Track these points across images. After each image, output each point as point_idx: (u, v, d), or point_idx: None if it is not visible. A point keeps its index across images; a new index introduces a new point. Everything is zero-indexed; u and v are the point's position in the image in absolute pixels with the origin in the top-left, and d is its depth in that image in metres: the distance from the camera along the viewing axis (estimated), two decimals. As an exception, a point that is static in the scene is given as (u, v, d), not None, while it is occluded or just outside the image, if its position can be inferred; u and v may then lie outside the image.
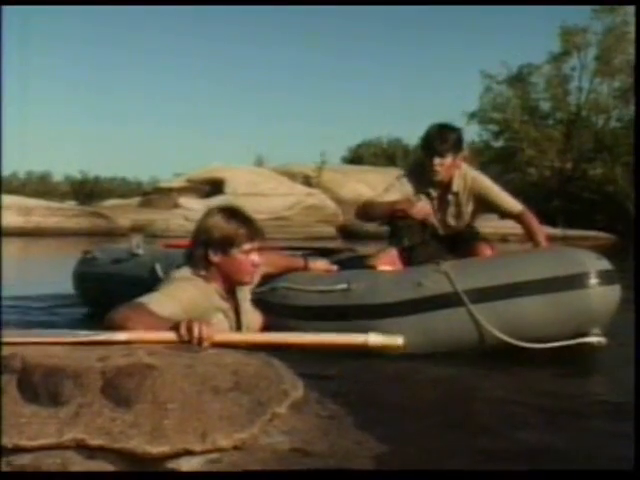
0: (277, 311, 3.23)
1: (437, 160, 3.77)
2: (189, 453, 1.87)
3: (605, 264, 3.10)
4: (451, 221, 3.99)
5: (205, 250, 2.86)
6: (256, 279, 3.11)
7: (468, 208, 3.95)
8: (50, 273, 6.81)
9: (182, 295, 2.75)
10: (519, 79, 28.07)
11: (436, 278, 3.12)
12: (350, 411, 2.25)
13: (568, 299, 3.00)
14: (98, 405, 1.92)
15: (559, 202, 25.00)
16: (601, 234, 20.36)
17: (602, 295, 3.02)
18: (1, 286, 5.22)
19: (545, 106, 28.42)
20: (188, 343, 2.39)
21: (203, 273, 2.87)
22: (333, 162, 32.35)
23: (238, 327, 2.98)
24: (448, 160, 3.80)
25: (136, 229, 19.08)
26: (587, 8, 26.13)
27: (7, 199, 20.19)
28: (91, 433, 1.86)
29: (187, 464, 1.84)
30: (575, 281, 3.01)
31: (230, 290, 2.97)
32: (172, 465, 1.83)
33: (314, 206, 24.07)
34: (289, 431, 2.05)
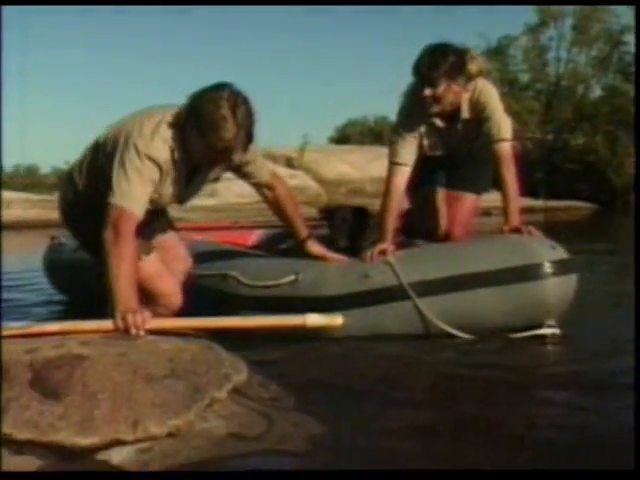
0: (227, 301, 3.19)
1: (428, 90, 3.29)
2: (120, 443, 1.84)
3: (560, 253, 3.01)
4: (463, 149, 3.65)
5: (188, 118, 2.74)
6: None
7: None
8: (19, 266, 6.73)
9: (145, 177, 2.72)
10: (498, 52, 27.99)
11: (383, 270, 3.04)
12: (293, 392, 2.23)
13: (520, 291, 2.92)
14: (26, 398, 1.89)
15: (541, 173, 25.00)
16: (583, 204, 20.41)
17: (556, 286, 2.93)
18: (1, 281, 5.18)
19: (524, 78, 28.41)
20: (125, 332, 2.36)
21: (176, 137, 2.78)
22: (319, 143, 32.24)
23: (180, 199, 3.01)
24: (441, 88, 3.29)
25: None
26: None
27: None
28: (19, 427, 1.83)
29: (118, 454, 1.81)
30: (528, 272, 2.92)
31: (195, 159, 2.87)
32: (103, 456, 1.80)
33: (297, 187, 23.90)
34: (228, 416, 2.02)
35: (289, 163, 26.08)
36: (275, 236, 4.17)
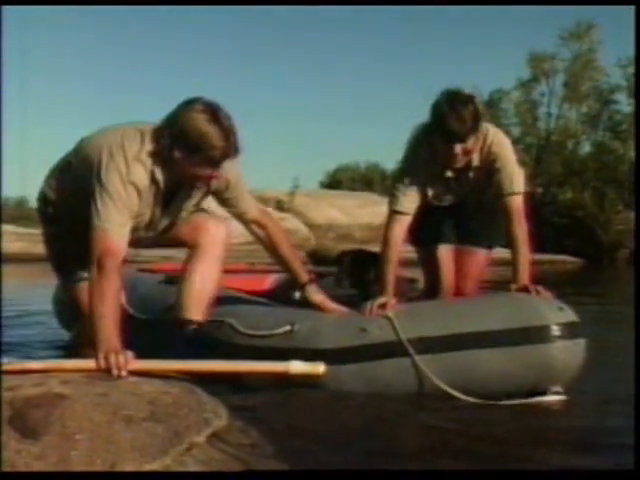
0: (222, 348, 3.07)
1: (458, 147, 3.11)
2: (96, 485, 1.82)
3: (569, 315, 2.85)
4: (473, 199, 3.52)
5: (171, 141, 2.75)
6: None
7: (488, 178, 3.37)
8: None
9: (127, 204, 2.73)
10: (490, 105, 28.31)
11: (381, 324, 2.91)
12: (273, 440, 2.21)
13: (525, 354, 2.77)
14: (5, 436, 1.87)
15: (530, 227, 25.07)
16: (570, 258, 20.48)
17: (564, 350, 2.77)
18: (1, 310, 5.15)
19: (515, 131, 28.65)
20: (106, 372, 2.35)
21: (156, 161, 2.79)
22: (310, 187, 32.33)
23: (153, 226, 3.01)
24: (470, 142, 3.14)
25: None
26: (554, 35, 26.59)
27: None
28: (-5, 466, 1.81)
29: (93, 497, 1.79)
30: (533, 334, 2.76)
31: (173, 185, 2.90)
32: (77, 498, 1.79)
33: (286, 230, 23.95)
34: (206, 461, 2.00)
35: (279, 206, 26.14)
36: (290, 282, 4.00)
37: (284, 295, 3.65)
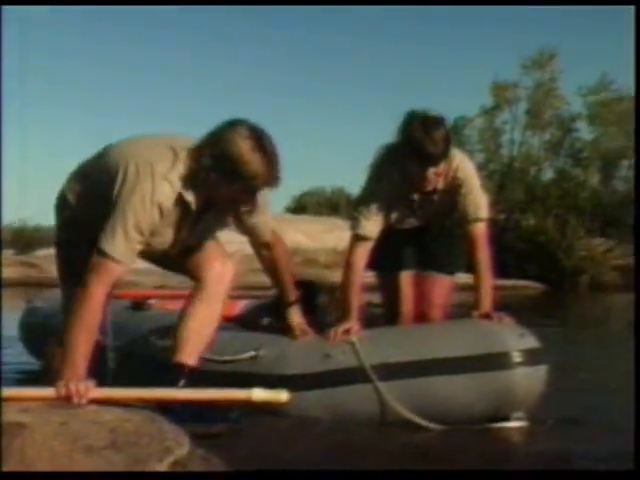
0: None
1: (432, 170, 3.07)
2: (55, 515, 1.80)
3: (530, 342, 2.88)
4: (437, 223, 3.53)
5: (211, 163, 2.62)
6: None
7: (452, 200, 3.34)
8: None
9: (142, 225, 2.61)
10: (454, 131, 28.54)
11: (345, 350, 2.93)
12: (235, 467, 2.20)
13: (487, 380, 2.79)
14: (-37, 466, 1.85)
15: (493, 252, 25.25)
16: (532, 283, 20.63)
17: (525, 377, 2.79)
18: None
19: (479, 158, 28.92)
20: (67, 400, 2.32)
21: (189, 178, 2.66)
22: (276, 211, 32.27)
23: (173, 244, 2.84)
24: (442, 165, 3.12)
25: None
26: (516, 64, 26.97)
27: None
28: (-48, 496, 1.78)
29: (51, 527, 1.77)
30: (496, 361, 2.80)
31: (202, 206, 2.76)
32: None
33: (253, 255, 23.92)
34: (167, 490, 2.00)
35: (245, 230, 26.15)
36: (258, 308, 3.96)
37: (252, 321, 3.65)
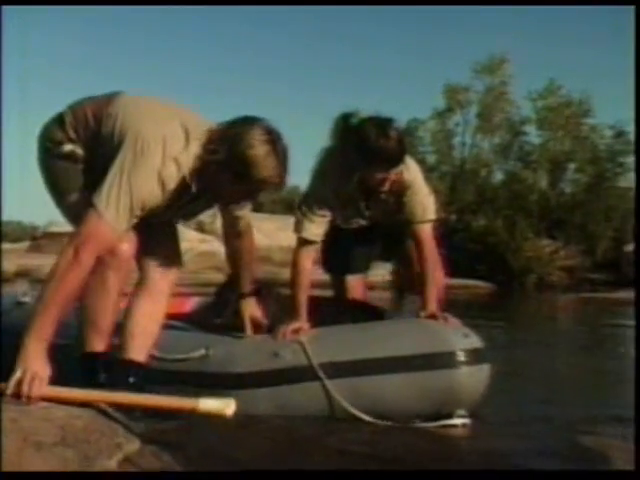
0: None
1: (392, 172, 3.06)
2: (4, 512, 1.79)
3: (474, 341, 2.93)
4: (385, 222, 3.50)
5: (221, 159, 2.56)
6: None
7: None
8: None
9: (144, 196, 2.54)
10: (407, 132, 28.69)
11: (294, 349, 2.95)
12: (185, 463, 2.21)
13: (431, 379, 2.83)
14: None
15: (444, 252, 25.46)
16: (482, 283, 20.87)
17: (468, 375, 2.84)
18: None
19: (431, 159, 29.16)
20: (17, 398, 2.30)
21: (195, 165, 2.60)
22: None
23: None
24: (401, 167, 3.11)
25: (22, 274, 18.49)
26: (468, 68, 27.22)
27: None
28: None
29: (0, 523, 1.77)
30: (440, 360, 2.84)
31: (199, 191, 2.69)
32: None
33: (207, 252, 23.76)
34: (117, 485, 2.00)
35: (201, 228, 25.93)
36: (211, 306, 3.88)
37: (203, 319, 3.63)
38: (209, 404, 2.41)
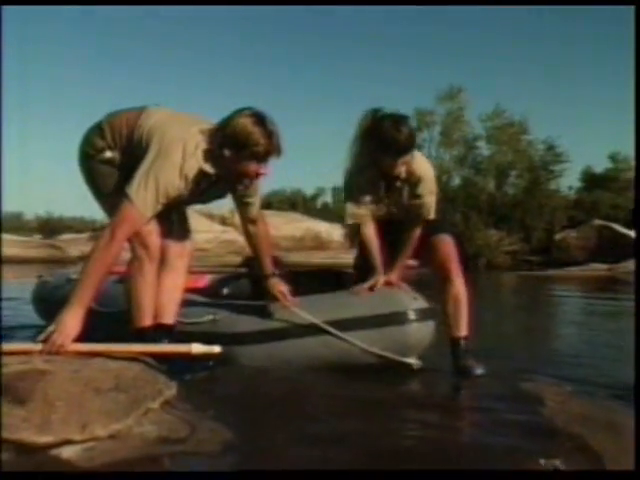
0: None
1: (403, 159, 2.86)
2: (70, 442, 1.79)
3: (421, 303, 2.94)
4: (394, 209, 3.19)
5: (222, 140, 2.56)
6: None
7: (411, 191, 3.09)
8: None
9: (169, 190, 2.52)
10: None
11: (285, 312, 2.94)
12: (212, 405, 2.21)
13: (389, 333, 2.86)
14: (-4, 403, 1.82)
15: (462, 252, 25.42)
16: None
17: (417, 330, 2.88)
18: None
19: (403, 168, 29.00)
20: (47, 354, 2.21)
21: (209, 155, 2.58)
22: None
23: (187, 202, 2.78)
24: (407, 157, 2.89)
25: (82, 258, 18.47)
26: (432, 97, 27.07)
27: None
28: (-11, 427, 1.76)
29: (67, 451, 1.76)
30: (395, 318, 2.87)
31: (217, 178, 2.66)
32: (54, 453, 1.75)
33: (227, 240, 23.80)
34: (159, 422, 1.99)
35: (223, 221, 25.92)
36: (220, 281, 3.92)
37: (216, 292, 3.65)
38: (200, 348, 2.41)
